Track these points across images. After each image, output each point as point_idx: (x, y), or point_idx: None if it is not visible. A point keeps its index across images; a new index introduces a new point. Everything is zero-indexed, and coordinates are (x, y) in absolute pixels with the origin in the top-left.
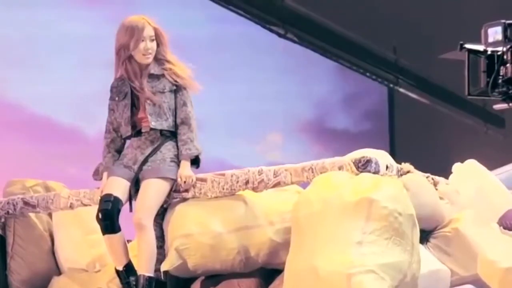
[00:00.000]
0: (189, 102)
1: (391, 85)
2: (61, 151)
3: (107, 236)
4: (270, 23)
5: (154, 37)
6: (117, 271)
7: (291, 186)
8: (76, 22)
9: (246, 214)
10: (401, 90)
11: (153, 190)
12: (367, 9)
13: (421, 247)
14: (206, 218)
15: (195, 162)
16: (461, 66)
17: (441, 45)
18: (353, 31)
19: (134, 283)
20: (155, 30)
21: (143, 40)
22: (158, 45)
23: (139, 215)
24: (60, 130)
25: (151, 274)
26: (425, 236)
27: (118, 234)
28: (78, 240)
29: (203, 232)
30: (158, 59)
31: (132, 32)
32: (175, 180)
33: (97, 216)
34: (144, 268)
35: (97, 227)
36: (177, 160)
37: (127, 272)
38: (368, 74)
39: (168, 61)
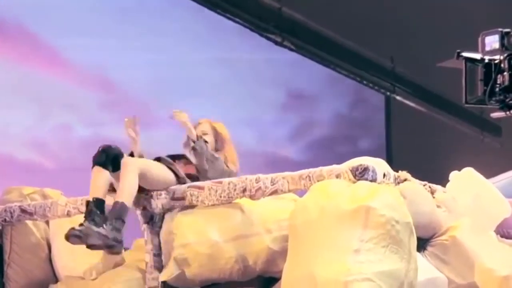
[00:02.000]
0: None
1: (388, 93)
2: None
3: (96, 168)
4: (267, 31)
5: (206, 132)
6: (87, 202)
7: (288, 194)
8: (34, 63)
9: (243, 223)
10: (398, 98)
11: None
12: (365, 17)
13: (418, 255)
14: (203, 227)
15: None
16: (458, 74)
17: (438, 54)
18: (350, 40)
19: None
20: (212, 128)
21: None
22: (215, 140)
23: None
24: (19, 165)
25: (127, 203)
26: (422, 244)
27: (107, 172)
28: (75, 248)
29: (200, 241)
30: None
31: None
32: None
33: (98, 150)
34: (123, 197)
35: None
36: None
37: (96, 204)
38: (365, 82)
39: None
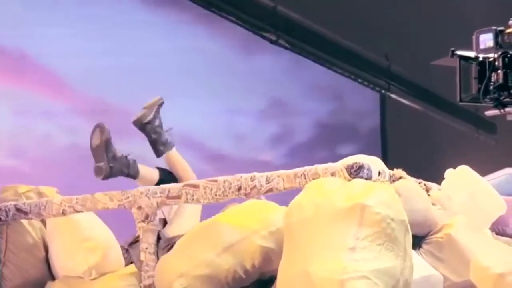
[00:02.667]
0: None
1: (383, 91)
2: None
3: None
4: (262, 29)
5: None
6: None
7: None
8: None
9: (227, 233)
10: (393, 96)
11: None
12: (360, 15)
13: (414, 253)
14: (191, 252)
15: None
16: (452, 72)
17: (433, 52)
18: (345, 38)
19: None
20: None
21: None
22: None
23: None
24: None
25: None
26: (417, 241)
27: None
28: (73, 248)
29: (195, 265)
30: None
31: None
32: None
33: None
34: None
35: (92, 234)
36: None
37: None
38: (360, 80)
39: None
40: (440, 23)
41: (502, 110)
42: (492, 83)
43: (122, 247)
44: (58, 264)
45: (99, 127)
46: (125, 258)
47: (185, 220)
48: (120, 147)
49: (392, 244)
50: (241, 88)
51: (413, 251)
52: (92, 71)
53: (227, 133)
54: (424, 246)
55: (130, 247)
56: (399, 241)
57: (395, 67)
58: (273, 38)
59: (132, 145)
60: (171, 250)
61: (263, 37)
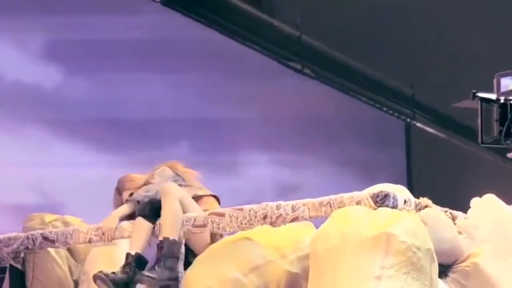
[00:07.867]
0: None
1: (408, 120)
2: None
3: (139, 219)
4: (287, 58)
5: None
6: (128, 254)
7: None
8: None
9: (255, 254)
10: (418, 124)
11: None
12: (385, 45)
13: (440, 282)
14: (219, 268)
15: None
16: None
17: (456, 83)
18: (370, 66)
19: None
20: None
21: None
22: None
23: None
24: None
25: (175, 238)
26: (444, 270)
27: (149, 224)
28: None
29: (221, 281)
30: None
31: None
32: None
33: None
34: (169, 232)
35: None
36: None
37: (136, 259)
38: (385, 108)
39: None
40: (465, 55)
41: None
42: None
43: None
44: None
45: (100, 279)
46: None
47: None
48: None
49: (418, 273)
50: None
51: (439, 280)
52: None
53: None
54: (451, 275)
55: None
56: (425, 270)
57: (420, 95)
58: (298, 67)
59: None
60: (198, 262)
61: (288, 67)
